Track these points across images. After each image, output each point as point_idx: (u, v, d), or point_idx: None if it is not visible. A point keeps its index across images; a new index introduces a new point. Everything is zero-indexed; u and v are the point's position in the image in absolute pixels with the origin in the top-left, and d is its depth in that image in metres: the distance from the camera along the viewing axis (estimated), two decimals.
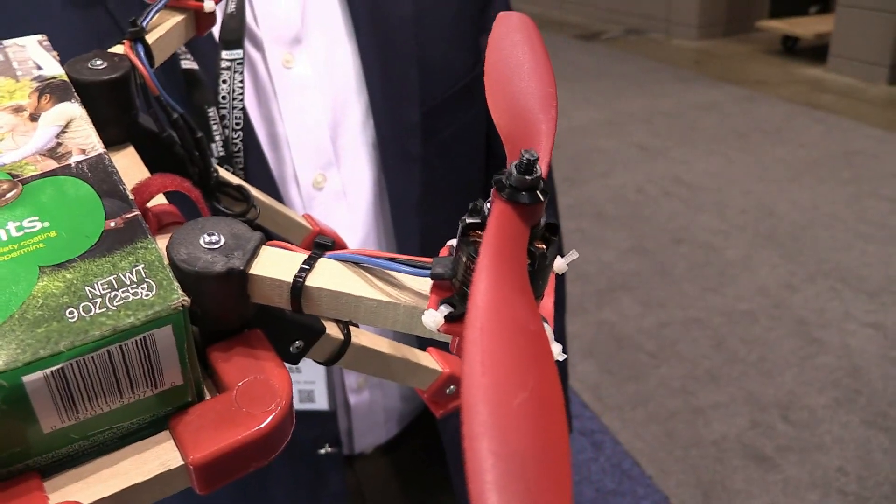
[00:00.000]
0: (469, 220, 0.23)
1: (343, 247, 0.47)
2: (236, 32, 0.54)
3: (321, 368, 0.61)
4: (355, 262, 0.26)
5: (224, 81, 0.54)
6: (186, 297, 0.22)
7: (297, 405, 0.62)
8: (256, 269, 0.25)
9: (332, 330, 0.31)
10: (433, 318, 0.23)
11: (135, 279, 0.22)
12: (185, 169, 0.37)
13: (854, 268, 2.58)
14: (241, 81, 0.55)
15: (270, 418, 0.24)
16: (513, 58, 0.28)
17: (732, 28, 5.57)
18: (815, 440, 1.85)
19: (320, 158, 0.60)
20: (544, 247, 0.23)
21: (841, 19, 4.50)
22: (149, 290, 0.22)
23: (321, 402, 0.62)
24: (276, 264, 0.25)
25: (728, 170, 3.40)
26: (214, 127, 0.54)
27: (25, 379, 0.20)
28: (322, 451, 0.63)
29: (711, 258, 2.68)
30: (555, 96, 0.26)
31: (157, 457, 0.23)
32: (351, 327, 0.33)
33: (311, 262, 0.25)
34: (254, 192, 0.40)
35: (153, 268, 0.23)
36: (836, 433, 1.87)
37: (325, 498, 0.66)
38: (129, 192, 0.25)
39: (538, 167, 0.21)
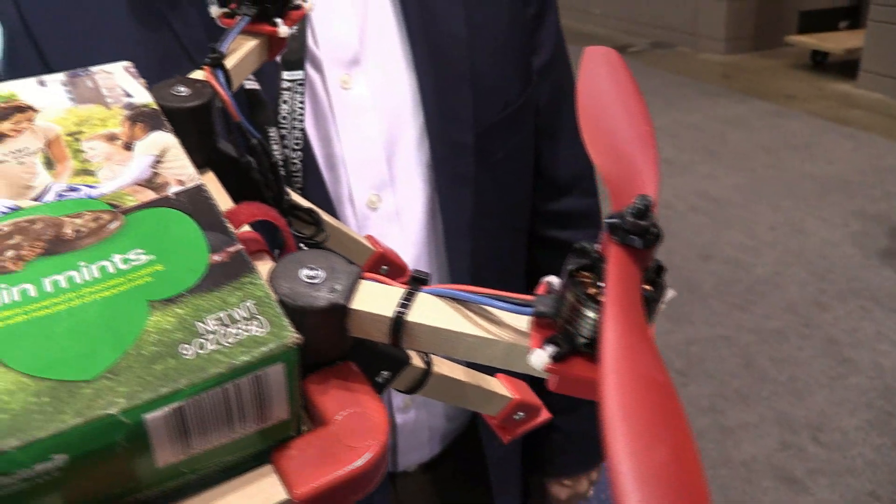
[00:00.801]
0: (577, 262, 0.23)
1: (403, 268, 0.48)
2: (297, 53, 0.55)
3: None
4: (453, 298, 0.26)
5: (285, 102, 0.55)
6: (299, 335, 0.22)
7: None
8: (357, 304, 0.25)
9: (415, 359, 0.31)
10: (540, 358, 0.23)
11: (246, 315, 0.22)
12: (260, 193, 0.37)
13: (885, 286, 2.54)
14: (302, 102, 0.55)
15: (372, 453, 0.24)
16: (606, 96, 0.28)
17: (761, 42, 5.54)
18: (847, 463, 1.82)
19: (375, 179, 0.60)
20: (652, 289, 0.23)
21: (871, 35, 4.46)
22: (260, 327, 0.22)
23: None
24: (375, 299, 0.25)
25: (756, 185, 3.37)
26: (274, 147, 0.54)
27: (147, 417, 0.20)
28: None
29: (739, 275, 2.66)
30: (653, 135, 0.26)
31: (262, 491, 0.23)
32: (431, 356, 0.33)
33: (409, 296, 0.25)
34: (322, 214, 0.41)
35: (263, 304, 0.23)
36: (869, 456, 1.84)
37: None
38: (229, 225, 0.26)
39: (652, 212, 0.21)
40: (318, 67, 0.58)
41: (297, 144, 0.55)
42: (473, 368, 0.38)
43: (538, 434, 0.80)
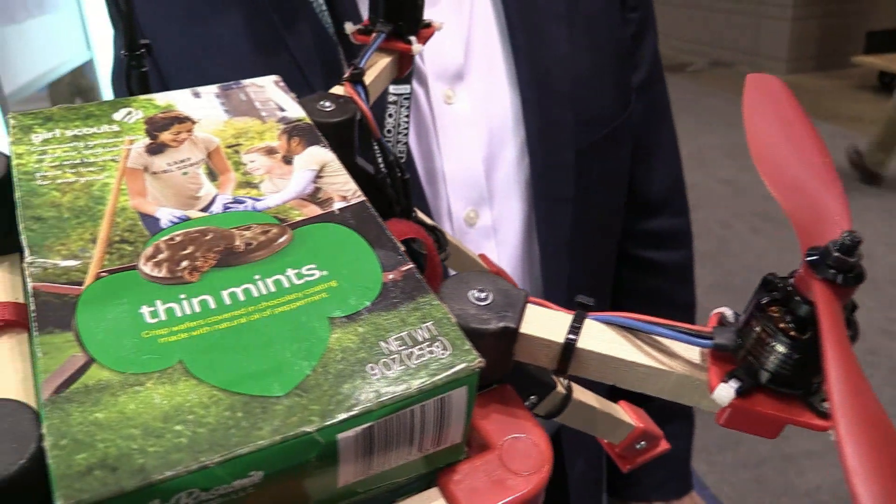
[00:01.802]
0: (769, 295, 0.22)
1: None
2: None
3: None
4: (621, 325, 0.25)
5: (390, 116, 0.55)
6: (482, 359, 0.22)
7: None
8: (526, 328, 0.25)
9: (558, 385, 0.31)
10: (726, 393, 0.22)
11: (427, 337, 0.22)
12: (391, 210, 0.37)
13: None
14: (407, 117, 0.55)
15: (539, 479, 0.24)
16: (775, 127, 0.27)
17: (825, 63, 5.41)
18: None
19: (473, 195, 0.60)
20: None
21: None
22: (444, 350, 0.22)
23: None
24: (543, 323, 0.25)
25: None
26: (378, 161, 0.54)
27: (340, 436, 0.20)
28: None
29: None
30: (832, 165, 0.25)
31: None
32: (571, 382, 0.32)
33: (578, 322, 0.25)
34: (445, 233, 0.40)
35: (443, 325, 0.23)
36: None
37: None
38: (398, 243, 0.25)
39: (859, 248, 0.21)
40: (423, 82, 0.58)
41: (400, 159, 0.55)
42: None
43: None
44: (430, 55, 0.58)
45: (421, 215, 0.40)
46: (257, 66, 0.54)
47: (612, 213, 0.69)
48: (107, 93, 2.41)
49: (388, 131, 0.55)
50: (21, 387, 0.24)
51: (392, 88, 0.55)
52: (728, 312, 0.25)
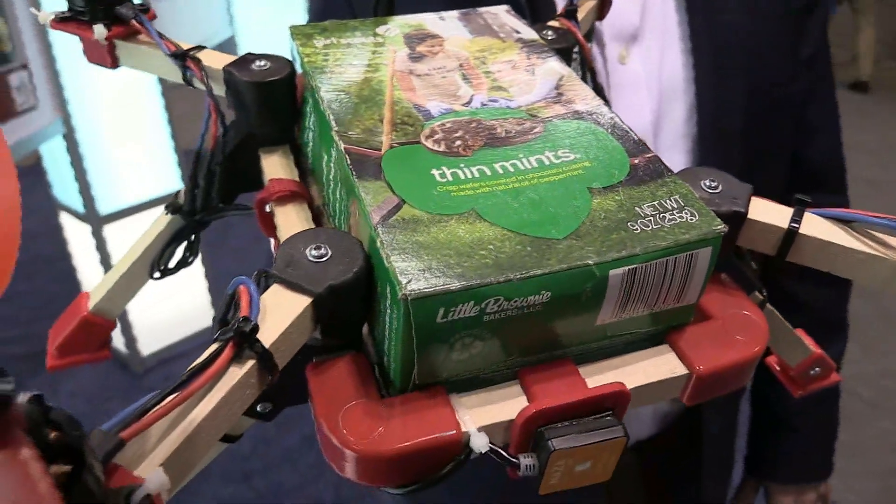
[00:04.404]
0: None
1: None
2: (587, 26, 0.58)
3: None
4: (838, 218, 0.28)
5: None
6: (725, 225, 0.25)
7: None
8: (753, 214, 0.28)
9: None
10: None
11: (675, 206, 0.26)
12: None
13: None
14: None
15: (759, 346, 0.27)
16: None
17: None
18: None
19: None
20: None
21: None
22: (691, 216, 0.25)
23: None
24: (768, 212, 0.28)
25: None
26: None
27: (611, 272, 0.24)
28: None
29: None
30: None
31: (666, 363, 0.26)
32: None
33: (799, 213, 0.28)
34: None
35: (688, 199, 0.26)
36: None
37: None
38: (637, 136, 0.29)
39: None
40: (600, 41, 0.61)
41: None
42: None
43: (767, 433, 0.80)
44: (608, 15, 0.61)
45: None
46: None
47: (774, 184, 0.70)
48: None
49: None
50: None
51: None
52: None
